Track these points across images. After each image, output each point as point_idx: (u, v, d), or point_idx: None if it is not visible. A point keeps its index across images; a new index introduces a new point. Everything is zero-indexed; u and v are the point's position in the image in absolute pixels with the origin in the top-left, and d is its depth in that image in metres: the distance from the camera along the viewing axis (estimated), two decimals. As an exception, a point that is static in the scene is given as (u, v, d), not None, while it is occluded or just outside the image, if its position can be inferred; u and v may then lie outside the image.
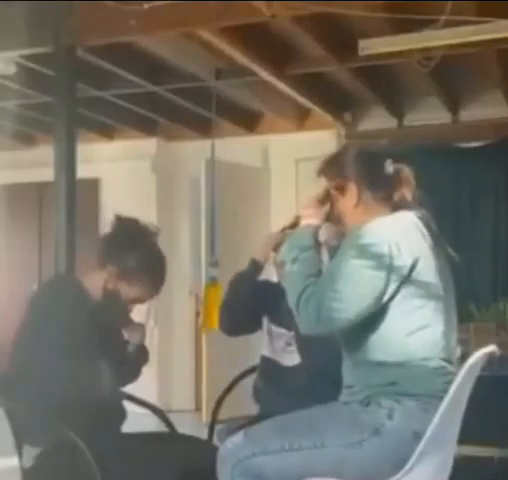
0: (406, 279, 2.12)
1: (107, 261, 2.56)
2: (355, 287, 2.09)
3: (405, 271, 2.11)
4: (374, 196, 2.27)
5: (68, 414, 2.45)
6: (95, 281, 2.58)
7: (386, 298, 2.11)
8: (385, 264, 2.09)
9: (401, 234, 2.16)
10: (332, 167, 2.34)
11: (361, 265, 2.09)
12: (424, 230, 2.23)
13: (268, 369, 3.11)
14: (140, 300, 2.60)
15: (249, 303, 3.07)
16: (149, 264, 2.58)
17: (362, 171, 2.27)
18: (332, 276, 2.12)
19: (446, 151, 6.40)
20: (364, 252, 2.10)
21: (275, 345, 3.09)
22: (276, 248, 2.99)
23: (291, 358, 3.03)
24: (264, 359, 3.14)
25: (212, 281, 2.60)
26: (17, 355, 2.53)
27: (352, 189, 2.28)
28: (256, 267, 3.08)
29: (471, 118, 6.35)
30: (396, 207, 2.27)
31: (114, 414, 2.70)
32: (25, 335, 2.51)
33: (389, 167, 2.28)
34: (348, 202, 2.29)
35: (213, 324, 2.79)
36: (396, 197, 2.27)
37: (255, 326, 3.20)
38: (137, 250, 2.57)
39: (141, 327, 2.67)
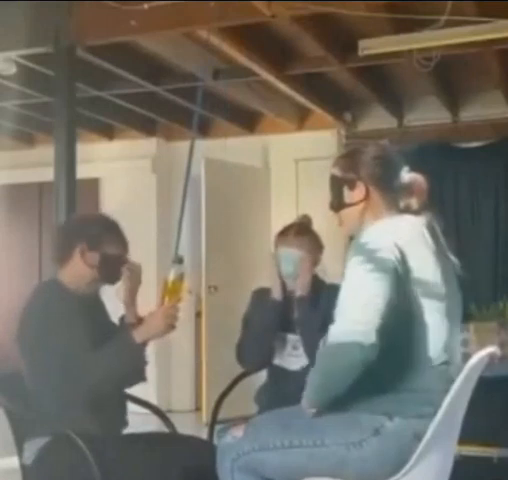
0: (407, 282, 2.11)
1: (74, 245, 2.69)
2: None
3: (406, 274, 2.11)
4: (384, 199, 2.29)
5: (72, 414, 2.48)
6: (73, 269, 2.69)
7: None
8: (390, 271, 2.08)
9: (402, 237, 2.17)
10: (349, 161, 2.36)
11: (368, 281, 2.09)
12: (427, 234, 2.23)
13: (275, 375, 3.10)
14: (121, 258, 2.75)
15: (273, 339, 3.06)
16: (106, 225, 2.78)
17: (376, 174, 2.29)
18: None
19: (446, 151, 6.40)
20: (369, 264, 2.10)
21: (283, 351, 3.07)
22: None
23: (297, 362, 3.02)
24: (272, 367, 3.12)
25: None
26: (30, 369, 2.58)
27: (361, 187, 2.29)
28: (276, 306, 3.04)
29: (471, 118, 6.35)
30: (402, 211, 2.28)
31: (117, 411, 2.73)
32: (31, 345, 2.57)
33: (405, 176, 2.31)
34: (355, 198, 2.30)
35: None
36: (403, 203, 2.29)
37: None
38: (91, 221, 2.83)
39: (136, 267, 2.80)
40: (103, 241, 2.70)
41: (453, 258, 2.30)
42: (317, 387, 2.13)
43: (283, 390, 2.97)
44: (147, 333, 2.55)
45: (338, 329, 2.09)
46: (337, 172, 2.35)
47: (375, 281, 2.07)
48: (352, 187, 2.30)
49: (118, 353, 2.53)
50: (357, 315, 2.05)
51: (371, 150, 2.34)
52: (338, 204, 2.35)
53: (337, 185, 2.35)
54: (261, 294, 3.16)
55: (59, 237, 2.81)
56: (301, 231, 3.06)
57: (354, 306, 2.08)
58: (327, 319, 2.84)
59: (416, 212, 2.28)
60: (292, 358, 3.04)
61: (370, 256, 2.09)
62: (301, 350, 3.02)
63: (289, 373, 3.04)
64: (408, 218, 2.26)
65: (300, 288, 3.01)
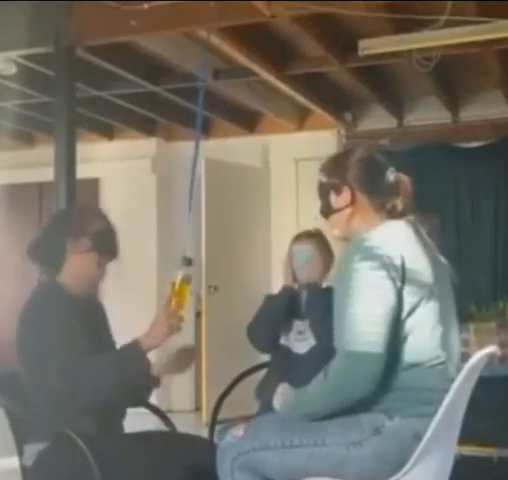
0: (405, 285, 2.11)
1: (64, 245, 2.66)
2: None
3: (405, 278, 2.11)
4: (371, 202, 2.27)
5: (73, 413, 2.48)
6: (72, 268, 2.66)
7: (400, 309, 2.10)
8: (397, 278, 2.08)
9: (403, 243, 2.17)
10: (334, 166, 2.35)
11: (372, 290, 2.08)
12: (415, 237, 2.23)
13: (281, 356, 3.30)
14: (109, 230, 2.76)
15: (282, 322, 3.33)
16: (79, 213, 2.90)
17: (361, 177, 2.27)
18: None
19: (446, 151, 6.40)
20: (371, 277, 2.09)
21: (289, 335, 3.31)
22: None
23: (303, 346, 3.26)
24: (278, 346, 3.32)
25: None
26: (27, 369, 2.57)
27: (347, 191, 2.28)
28: (288, 292, 3.37)
29: (471, 118, 6.36)
30: (389, 214, 2.27)
31: (117, 411, 2.72)
32: (29, 348, 2.55)
33: (391, 176, 2.29)
34: (341, 203, 2.30)
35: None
36: (389, 205, 2.28)
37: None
38: (63, 217, 2.91)
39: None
40: (84, 225, 2.70)
41: (442, 259, 2.30)
42: (327, 400, 2.13)
43: (287, 369, 3.16)
44: (152, 340, 2.55)
45: (350, 342, 2.06)
46: (322, 177, 2.35)
47: (387, 290, 2.06)
48: (338, 192, 2.29)
49: (124, 359, 2.52)
50: (372, 327, 2.04)
51: (355, 153, 2.32)
52: (327, 210, 2.34)
53: (323, 191, 2.34)
54: (271, 297, 3.49)
55: (48, 247, 2.73)
56: (313, 234, 3.44)
57: (369, 316, 2.05)
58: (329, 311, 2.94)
59: (401, 214, 2.27)
60: (297, 343, 3.28)
61: (381, 262, 2.07)
62: (306, 334, 3.27)
63: (294, 355, 3.26)
64: (397, 222, 2.25)
65: (311, 277, 3.34)
